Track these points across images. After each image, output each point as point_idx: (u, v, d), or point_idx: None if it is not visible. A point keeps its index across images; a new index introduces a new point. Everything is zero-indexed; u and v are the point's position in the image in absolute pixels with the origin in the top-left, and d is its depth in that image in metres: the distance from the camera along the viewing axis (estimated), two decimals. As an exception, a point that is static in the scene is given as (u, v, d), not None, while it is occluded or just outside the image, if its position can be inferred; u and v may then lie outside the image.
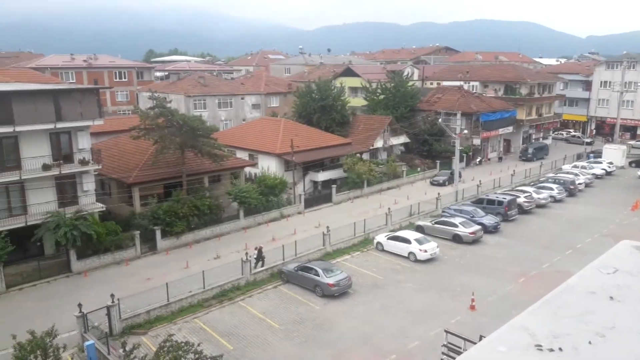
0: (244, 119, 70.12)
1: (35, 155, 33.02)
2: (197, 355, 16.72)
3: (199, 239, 39.53)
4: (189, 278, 30.04)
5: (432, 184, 57.35)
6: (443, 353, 20.72)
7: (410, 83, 70.29)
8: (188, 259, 35.41)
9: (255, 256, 33.39)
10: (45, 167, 33.30)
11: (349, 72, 78.96)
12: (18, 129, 31.89)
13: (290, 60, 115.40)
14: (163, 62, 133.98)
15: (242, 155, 51.60)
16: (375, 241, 37.92)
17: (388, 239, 37.09)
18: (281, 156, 50.28)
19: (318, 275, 30.02)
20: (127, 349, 17.07)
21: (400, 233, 37.35)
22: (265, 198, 44.39)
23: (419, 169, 62.01)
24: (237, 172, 46.46)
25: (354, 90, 76.79)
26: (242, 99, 72.15)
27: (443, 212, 44.47)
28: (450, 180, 55.99)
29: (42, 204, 33.65)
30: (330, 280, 29.60)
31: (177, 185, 40.69)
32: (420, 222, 41.38)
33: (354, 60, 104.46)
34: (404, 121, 65.34)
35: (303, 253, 35.13)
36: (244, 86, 75.98)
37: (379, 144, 61.27)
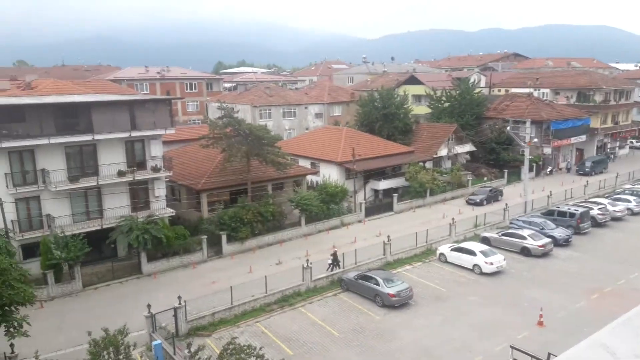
0: (306, 128, 71.06)
1: (111, 162, 35.11)
2: (259, 359, 16.98)
3: (262, 245, 40.37)
4: (252, 282, 30.72)
5: (468, 203, 51.73)
6: (508, 370, 19.98)
7: (477, 90, 68.53)
8: (251, 264, 36.24)
9: (330, 260, 34.06)
10: (120, 174, 35.30)
11: (412, 80, 78.18)
12: (97, 137, 34.07)
13: (353, 70, 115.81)
14: (231, 73, 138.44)
15: (305, 163, 52.28)
16: (438, 252, 37.16)
17: (452, 250, 36.26)
18: (342, 164, 50.47)
19: (378, 284, 29.81)
20: (192, 350, 17.62)
21: (465, 244, 36.41)
22: (326, 206, 44.70)
23: (485, 178, 60.18)
24: (300, 180, 47.14)
25: (417, 98, 75.90)
26: (306, 108, 73.19)
27: (511, 223, 42.87)
28: (489, 200, 51.66)
29: (116, 208, 35.65)
30: (390, 290, 29.30)
31: (242, 192, 41.86)
32: (486, 234, 40.12)
33: (418, 68, 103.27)
34: (469, 129, 63.74)
35: (363, 262, 35.01)
36: (308, 96, 77.01)
37: (443, 152, 60.11)
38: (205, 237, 37.79)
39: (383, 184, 52.58)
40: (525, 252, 36.91)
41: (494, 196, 52.61)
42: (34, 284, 28.92)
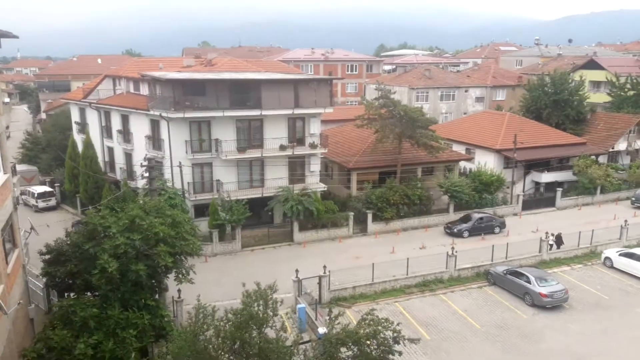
0: (464, 113, 68.28)
1: (275, 136, 37.77)
2: (395, 334, 17.12)
3: (406, 227, 40.23)
4: (393, 263, 31.05)
5: (445, 232, 39.20)
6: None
7: (672, 77, 59.23)
8: (394, 245, 36.48)
9: (553, 240, 34.87)
10: (282, 148, 37.88)
11: (591, 65, 70.07)
12: (264, 112, 36.87)
13: (523, 52, 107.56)
14: (392, 55, 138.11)
15: (459, 149, 50.44)
16: (603, 256, 33.66)
17: (620, 255, 32.58)
18: (501, 152, 47.69)
19: (530, 282, 28.20)
20: (333, 315, 18.39)
21: (637, 250, 32.41)
22: (478, 195, 42.83)
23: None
24: (451, 166, 45.75)
25: (596, 84, 68.11)
26: (466, 91, 70.21)
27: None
28: (474, 232, 38.29)
29: (275, 179, 38.41)
30: (543, 289, 27.54)
31: (391, 173, 42.06)
32: (666, 242, 35.08)
33: (599, 52, 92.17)
34: (658, 122, 55.58)
35: (514, 257, 33.08)
36: (469, 79, 73.76)
37: (621, 146, 53.49)
38: (352, 213, 38.95)
39: (546, 177, 48.55)
40: None
41: (486, 227, 39.11)
42: (201, 239, 32.61)
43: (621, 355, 23.29)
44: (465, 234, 38.50)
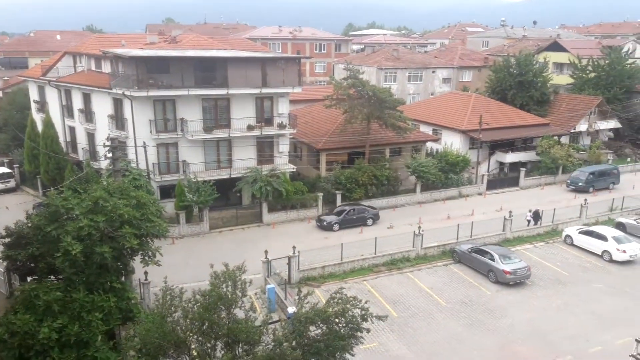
0: (432, 93, 68.87)
1: (242, 116, 37.23)
2: (363, 312, 17.35)
3: (374, 207, 40.55)
4: (362, 242, 31.34)
5: (318, 226, 36.45)
6: (630, 365, 18.33)
7: (630, 61, 60.94)
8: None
9: (531, 217, 36.30)
10: (250, 128, 37.42)
11: (555, 47, 71.53)
12: (231, 91, 36.23)
13: (489, 33, 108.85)
14: (360, 35, 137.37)
15: (426, 129, 50.97)
16: (564, 234, 34.81)
17: (580, 232, 33.74)
18: (467, 133, 48.40)
19: (493, 260, 28.92)
20: (302, 295, 18.49)
21: (596, 228, 33.64)
22: (444, 175, 43.49)
23: (628, 159, 54.23)
24: (419, 146, 46.23)
25: (559, 66, 69.66)
26: (433, 72, 70.69)
27: (654, 211, 38.41)
28: (346, 223, 36.19)
29: (244, 160, 38.02)
30: (506, 267, 28.28)
31: (359, 154, 42.22)
32: (623, 219, 36.58)
33: (563, 34, 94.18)
34: (616, 103, 57.42)
35: (479, 235, 33.83)
36: (437, 59, 74.20)
37: (582, 127, 55.07)
38: (321, 194, 39.01)
39: (510, 157, 49.67)
40: (668, 243, 32.95)
41: (358, 219, 36.97)
42: (168, 221, 32.11)
43: (580, 328, 24.24)
44: (336, 226, 36.00)
